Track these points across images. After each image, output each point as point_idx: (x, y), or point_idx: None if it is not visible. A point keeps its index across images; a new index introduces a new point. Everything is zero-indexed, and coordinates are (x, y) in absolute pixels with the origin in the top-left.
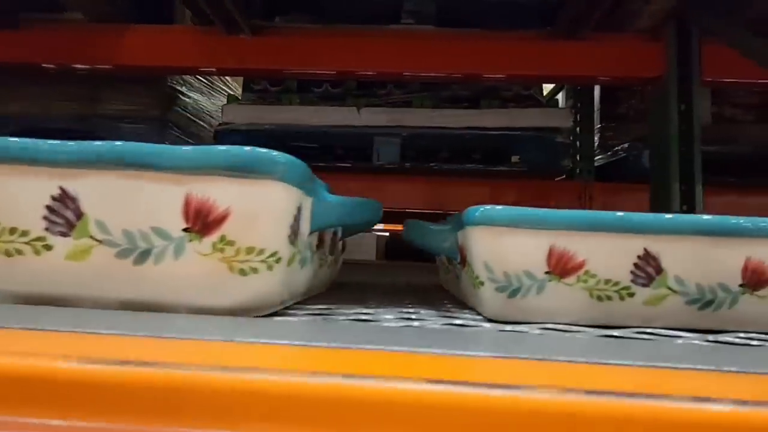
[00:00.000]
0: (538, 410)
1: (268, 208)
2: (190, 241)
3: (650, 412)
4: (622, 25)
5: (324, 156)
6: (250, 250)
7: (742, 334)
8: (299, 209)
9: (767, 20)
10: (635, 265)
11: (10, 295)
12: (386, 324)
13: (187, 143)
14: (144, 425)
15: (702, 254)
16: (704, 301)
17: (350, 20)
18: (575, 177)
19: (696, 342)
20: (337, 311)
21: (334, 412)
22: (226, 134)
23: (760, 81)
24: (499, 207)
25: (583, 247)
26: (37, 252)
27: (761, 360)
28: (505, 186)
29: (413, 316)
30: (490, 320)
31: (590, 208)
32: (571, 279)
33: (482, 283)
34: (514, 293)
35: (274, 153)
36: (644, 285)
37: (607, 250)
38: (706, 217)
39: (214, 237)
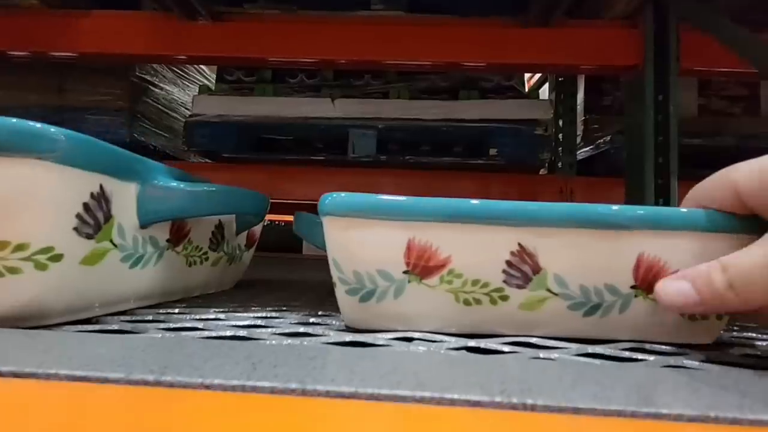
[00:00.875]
0: None
1: (29, 194)
2: None
3: None
4: (598, 11)
5: (298, 149)
6: (3, 246)
7: (626, 345)
8: (98, 196)
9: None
10: (508, 263)
11: None
12: (211, 333)
13: (160, 136)
14: None
15: (587, 250)
16: (590, 305)
17: (318, 6)
18: (557, 171)
19: (569, 357)
20: (172, 317)
21: None
22: (196, 126)
23: (740, 70)
24: (350, 194)
25: (446, 240)
26: None
27: (630, 389)
28: (484, 180)
29: (261, 322)
30: (348, 328)
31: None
32: (434, 280)
33: (335, 285)
34: (367, 297)
35: (39, 126)
36: (520, 287)
37: (474, 245)
38: (590, 205)
39: None
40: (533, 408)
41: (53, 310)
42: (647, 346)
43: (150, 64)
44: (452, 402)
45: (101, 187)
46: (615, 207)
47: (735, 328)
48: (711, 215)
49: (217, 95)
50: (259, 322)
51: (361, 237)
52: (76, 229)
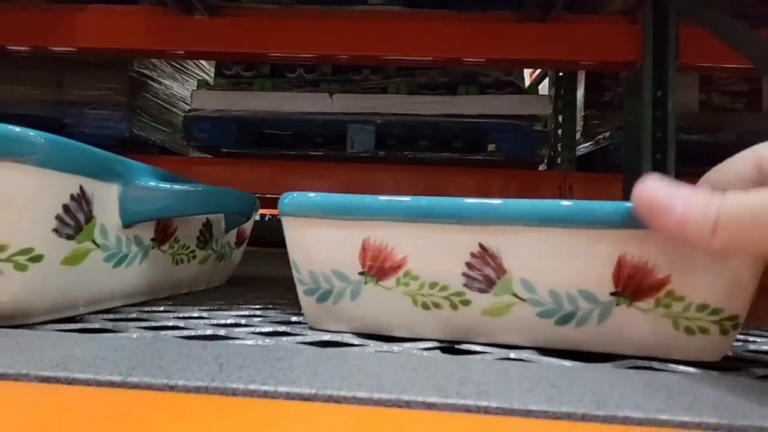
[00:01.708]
0: None
1: (8, 197)
2: None
3: None
4: (597, 6)
5: (297, 144)
6: None
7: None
8: (78, 198)
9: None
10: (468, 264)
11: None
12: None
13: (159, 131)
14: None
15: (557, 251)
16: (562, 313)
17: (316, 0)
18: (556, 166)
19: (539, 358)
20: (155, 315)
21: None
22: (194, 121)
23: (740, 66)
24: (305, 194)
25: (402, 240)
26: None
27: (586, 392)
28: (483, 175)
29: (243, 321)
30: (312, 329)
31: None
32: (390, 281)
33: (296, 285)
34: (324, 297)
35: (17, 130)
36: (483, 291)
37: (431, 246)
38: (560, 202)
39: None
40: (486, 410)
41: (36, 309)
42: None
43: (148, 58)
44: (408, 404)
45: (81, 188)
46: (588, 203)
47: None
48: None
49: (215, 90)
50: (241, 321)
51: (317, 237)
52: (56, 230)
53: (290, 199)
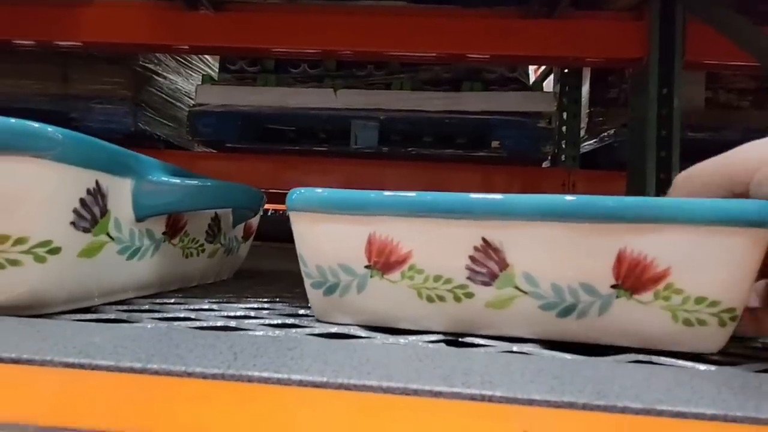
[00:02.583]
0: None
1: (28, 191)
2: None
3: None
4: (604, 2)
5: (301, 139)
6: (3, 239)
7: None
8: (94, 192)
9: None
10: (472, 258)
11: None
12: (202, 323)
13: (164, 125)
14: None
15: (558, 245)
16: (563, 306)
17: None
18: (559, 163)
19: (541, 351)
20: (167, 307)
21: None
22: (199, 116)
23: (747, 64)
24: (312, 189)
25: (407, 235)
26: None
27: (587, 383)
28: (486, 172)
29: (252, 313)
30: (319, 321)
31: None
32: (396, 275)
33: (303, 278)
34: (330, 290)
35: (36, 126)
36: (486, 284)
37: (436, 240)
38: (562, 197)
39: None
40: (490, 399)
41: (53, 299)
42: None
43: (153, 53)
44: (415, 392)
45: (97, 183)
46: (589, 197)
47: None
48: (707, 204)
49: (220, 85)
50: (250, 313)
51: (324, 232)
52: (73, 223)
53: (298, 194)
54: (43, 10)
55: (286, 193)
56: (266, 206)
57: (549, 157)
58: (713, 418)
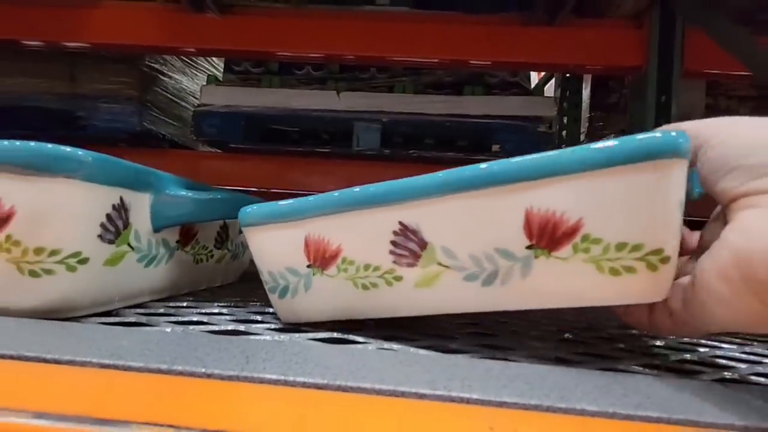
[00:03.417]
0: None
1: (61, 208)
2: None
3: None
4: (606, 10)
5: (304, 140)
6: (39, 251)
7: (581, 349)
8: (119, 207)
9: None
10: (393, 243)
11: None
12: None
13: (169, 125)
14: None
15: (467, 215)
16: (485, 274)
17: (324, 0)
18: None
19: (519, 360)
20: (181, 311)
21: None
22: (204, 116)
23: (745, 73)
24: (256, 206)
25: (335, 231)
26: None
27: (553, 388)
28: None
29: (259, 318)
30: (286, 324)
31: None
32: (333, 270)
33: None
34: (284, 293)
35: (68, 150)
36: (411, 265)
37: (359, 231)
38: (459, 168)
39: (0, 235)
40: (468, 401)
41: (80, 304)
42: (597, 350)
43: (159, 55)
44: (403, 394)
45: (121, 199)
46: (477, 165)
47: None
48: (598, 150)
49: (224, 86)
50: (257, 317)
51: (269, 240)
52: (100, 236)
53: (245, 213)
54: (52, 11)
55: (289, 194)
56: None
57: None
58: (658, 420)
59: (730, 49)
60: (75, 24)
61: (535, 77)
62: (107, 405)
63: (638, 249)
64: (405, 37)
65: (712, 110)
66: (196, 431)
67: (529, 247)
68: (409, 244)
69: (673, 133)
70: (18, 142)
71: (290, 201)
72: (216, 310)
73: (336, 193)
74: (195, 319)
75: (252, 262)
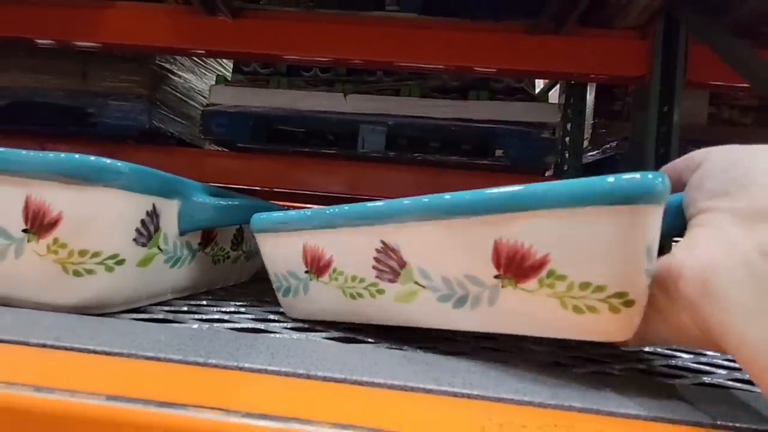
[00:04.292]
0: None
1: (102, 214)
2: (29, 241)
3: None
4: (611, 20)
5: (310, 141)
6: (83, 253)
7: (572, 353)
8: (151, 213)
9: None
10: (376, 259)
11: None
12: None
13: (177, 123)
14: None
15: (441, 241)
16: (456, 297)
17: (333, 5)
18: (562, 174)
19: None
20: (202, 309)
21: None
22: (212, 115)
23: (747, 86)
24: (265, 213)
25: (327, 243)
26: None
27: (546, 386)
28: (490, 179)
29: (274, 317)
30: (294, 320)
31: None
32: (326, 277)
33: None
34: (286, 293)
35: (108, 162)
36: (391, 281)
37: (347, 246)
38: (440, 196)
39: (48, 238)
40: (468, 396)
41: (115, 302)
42: (589, 354)
43: (171, 55)
44: (412, 389)
45: (153, 205)
46: (453, 194)
47: None
48: (561, 186)
49: (233, 86)
50: (271, 316)
51: (275, 246)
52: (135, 239)
53: (256, 219)
54: (65, 11)
55: (294, 193)
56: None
57: (552, 167)
58: (636, 417)
59: (731, 62)
60: (88, 24)
61: (539, 83)
62: (164, 390)
63: (601, 290)
64: (412, 43)
65: (714, 119)
66: (236, 414)
67: (497, 277)
68: (390, 262)
69: (650, 176)
70: (63, 155)
71: (293, 212)
72: (233, 309)
73: (329, 210)
74: (216, 317)
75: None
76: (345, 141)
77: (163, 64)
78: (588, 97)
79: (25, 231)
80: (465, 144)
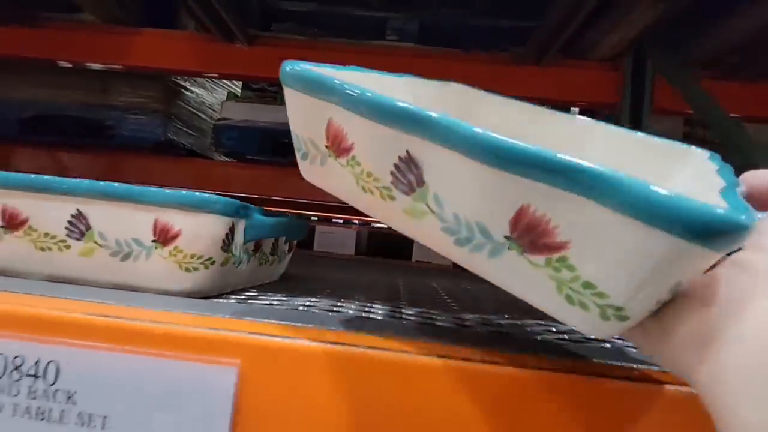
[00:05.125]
0: None
1: (205, 230)
2: (157, 248)
3: None
4: (587, 53)
5: None
6: (192, 256)
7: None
8: (231, 229)
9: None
10: (396, 166)
11: None
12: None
13: (190, 135)
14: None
15: (467, 178)
16: (460, 236)
17: (338, 34)
18: None
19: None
20: (258, 298)
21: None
22: (223, 129)
23: None
24: (299, 66)
25: (352, 129)
26: None
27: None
28: None
29: (310, 303)
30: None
31: None
32: (343, 160)
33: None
34: (305, 157)
35: (212, 197)
36: (405, 193)
37: (370, 140)
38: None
39: (171, 247)
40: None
41: (209, 291)
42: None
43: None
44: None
45: (232, 224)
46: (512, 140)
47: None
48: (645, 192)
49: (242, 102)
50: (312, 303)
51: (300, 106)
52: (221, 247)
53: (289, 69)
54: (89, 35)
55: (296, 201)
56: (277, 209)
57: None
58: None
59: (687, 98)
60: (110, 47)
61: None
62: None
63: (602, 297)
64: (410, 70)
65: (689, 139)
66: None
67: (507, 237)
68: (409, 176)
69: (743, 217)
70: (184, 192)
71: (328, 77)
72: (284, 297)
73: (366, 94)
74: (275, 302)
75: (289, 264)
76: None
77: (177, 80)
78: None
79: (153, 241)
80: None
